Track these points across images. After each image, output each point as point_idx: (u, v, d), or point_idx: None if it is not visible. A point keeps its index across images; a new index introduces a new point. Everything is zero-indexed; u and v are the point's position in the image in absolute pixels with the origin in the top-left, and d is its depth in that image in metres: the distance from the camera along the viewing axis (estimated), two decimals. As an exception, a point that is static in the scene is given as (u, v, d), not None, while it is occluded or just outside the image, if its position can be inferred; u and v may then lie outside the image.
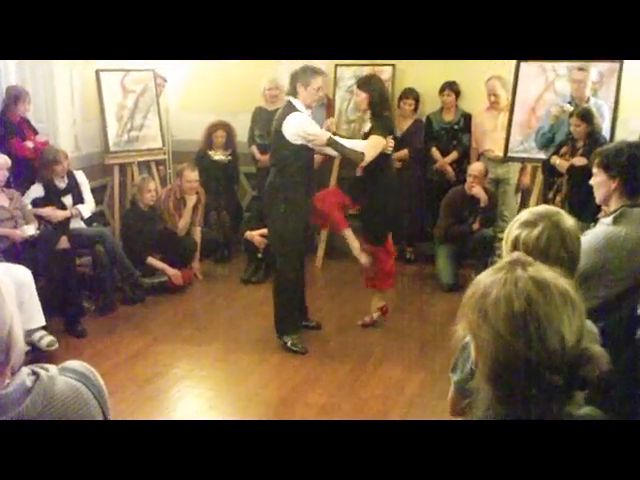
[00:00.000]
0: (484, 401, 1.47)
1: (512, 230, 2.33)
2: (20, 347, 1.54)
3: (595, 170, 3.36)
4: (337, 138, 5.37)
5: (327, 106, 7.48)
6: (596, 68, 6.09)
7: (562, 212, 2.37)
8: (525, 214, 2.37)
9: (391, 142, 5.41)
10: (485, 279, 1.49)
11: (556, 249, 2.25)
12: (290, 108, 5.24)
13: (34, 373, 1.55)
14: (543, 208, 2.42)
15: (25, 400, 1.49)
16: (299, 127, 5.18)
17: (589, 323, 2.06)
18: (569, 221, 2.32)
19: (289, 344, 5.43)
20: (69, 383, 1.60)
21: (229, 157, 7.66)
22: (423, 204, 7.50)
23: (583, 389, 1.43)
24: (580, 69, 5.92)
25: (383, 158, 5.42)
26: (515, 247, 2.29)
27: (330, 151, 5.43)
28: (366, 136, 5.43)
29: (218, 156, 7.59)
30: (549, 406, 1.41)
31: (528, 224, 2.30)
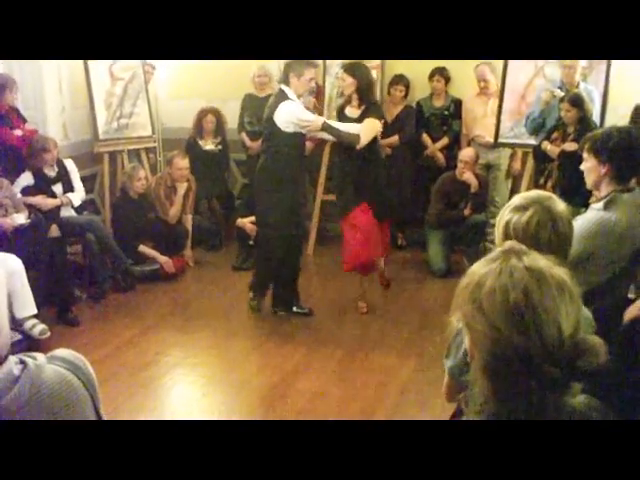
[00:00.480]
0: (480, 394, 1.45)
1: (504, 215, 2.33)
2: (5, 337, 1.53)
3: (585, 155, 3.37)
4: (331, 122, 5.39)
5: (317, 92, 7.46)
6: (586, 54, 6.10)
7: (554, 197, 2.36)
8: (517, 199, 2.36)
9: (381, 127, 5.45)
10: (479, 269, 1.46)
11: (547, 234, 2.24)
12: (282, 96, 5.30)
13: (22, 362, 1.55)
14: (535, 193, 2.41)
15: (13, 389, 1.48)
16: (292, 115, 5.23)
17: (584, 309, 2.06)
18: (560, 206, 2.31)
19: (249, 297, 5.87)
20: (57, 371, 1.60)
21: (219, 146, 7.63)
22: (414, 190, 7.50)
23: (581, 380, 1.40)
24: (570, 54, 5.92)
25: (374, 144, 5.43)
26: (506, 232, 2.29)
27: (326, 136, 5.45)
28: (356, 121, 5.42)
29: (209, 146, 7.56)
30: (546, 398, 1.38)
31: (519, 209, 2.29)
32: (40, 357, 1.60)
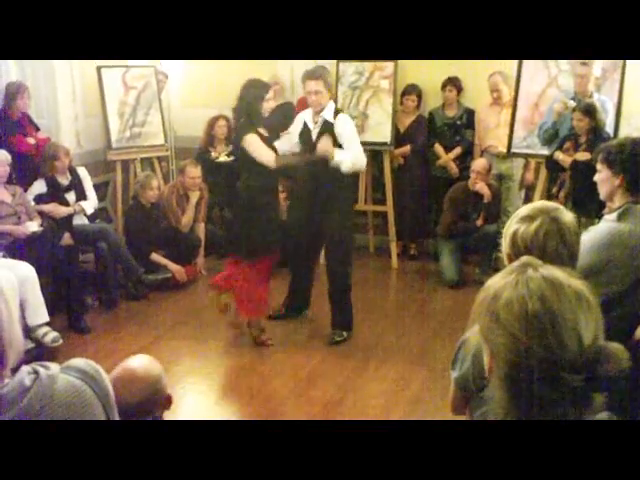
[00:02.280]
0: (500, 409, 1.44)
1: (511, 225, 2.33)
2: (17, 348, 1.51)
3: (599, 166, 3.36)
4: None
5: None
6: (599, 63, 6.06)
7: (561, 207, 2.35)
8: (524, 209, 2.36)
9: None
10: (495, 283, 1.46)
11: (554, 244, 2.23)
12: None
13: (34, 372, 1.52)
14: (542, 203, 2.42)
15: (23, 400, 1.46)
16: None
17: None
18: (568, 216, 2.31)
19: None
20: (70, 382, 1.57)
21: (231, 157, 7.61)
22: (426, 200, 7.51)
23: (602, 390, 1.39)
24: (583, 64, 5.89)
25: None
26: (513, 242, 2.29)
27: None
28: None
29: (221, 158, 7.52)
30: (568, 410, 1.38)
31: (526, 219, 2.29)
32: (53, 367, 1.57)
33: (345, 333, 5.55)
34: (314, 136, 5.39)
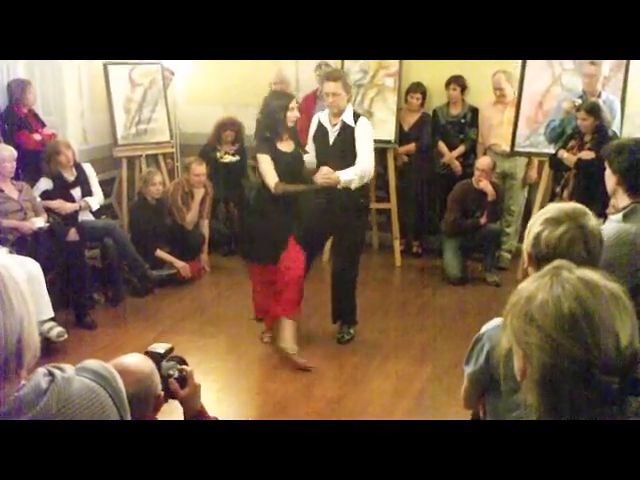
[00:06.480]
0: (534, 413, 1.40)
1: (535, 224, 2.32)
2: (33, 350, 1.49)
3: (606, 164, 3.38)
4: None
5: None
6: (608, 63, 5.98)
7: (589, 213, 2.34)
8: (552, 210, 2.35)
9: None
10: (528, 286, 1.44)
11: (578, 250, 2.24)
12: None
13: (50, 374, 1.50)
14: (570, 207, 2.39)
15: (39, 402, 1.44)
16: None
17: None
18: (593, 222, 2.30)
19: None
20: (86, 385, 1.55)
21: (237, 156, 7.59)
22: (430, 198, 7.53)
23: (637, 393, 1.35)
24: (592, 63, 5.85)
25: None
26: (536, 243, 2.29)
27: None
28: None
29: (227, 157, 7.51)
30: (604, 413, 1.34)
31: (552, 222, 2.28)
32: (68, 369, 1.55)
33: (352, 330, 5.57)
34: (331, 139, 5.31)
